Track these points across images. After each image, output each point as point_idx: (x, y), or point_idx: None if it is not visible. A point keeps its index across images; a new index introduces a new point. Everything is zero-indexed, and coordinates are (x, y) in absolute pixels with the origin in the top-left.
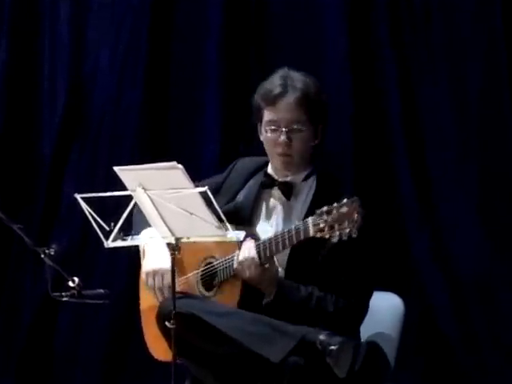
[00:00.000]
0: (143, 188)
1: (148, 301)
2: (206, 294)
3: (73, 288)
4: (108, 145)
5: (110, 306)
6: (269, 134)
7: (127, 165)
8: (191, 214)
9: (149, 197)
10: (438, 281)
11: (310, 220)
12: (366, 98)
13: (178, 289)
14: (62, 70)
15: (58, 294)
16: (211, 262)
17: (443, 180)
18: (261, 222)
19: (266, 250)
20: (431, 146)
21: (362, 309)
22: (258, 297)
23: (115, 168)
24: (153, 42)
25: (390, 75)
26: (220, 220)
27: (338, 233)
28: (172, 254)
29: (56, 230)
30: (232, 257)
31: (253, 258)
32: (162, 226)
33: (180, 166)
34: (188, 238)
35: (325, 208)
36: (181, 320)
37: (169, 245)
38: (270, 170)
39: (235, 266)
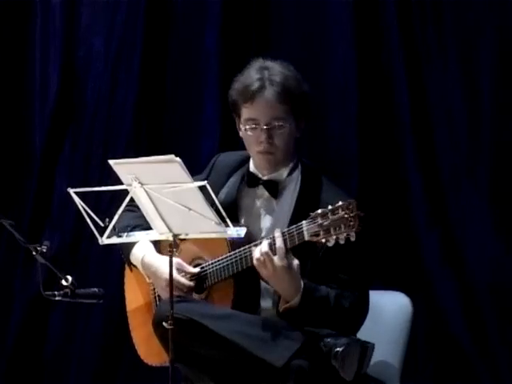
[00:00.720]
0: (139, 182)
1: (135, 302)
2: (197, 296)
3: (66, 287)
4: (102, 138)
5: (104, 305)
6: (249, 133)
7: (122, 158)
8: (190, 209)
9: (145, 191)
10: (449, 281)
11: (304, 224)
12: (372, 87)
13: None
14: (54, 58)
15: (50, 293)
16: (200, 264)
17: (454, 177)
18: (246, 221)
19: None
20: (441, 141)
21: (367, 302)
22: (251, 299)
23: (110, 161)
24: (149, 32)
25: (398, 63)
26: (220, 216)
27: (334, 237)
28: (170, 252)
29: (48, 227)
30: (223, 258)
31: (280, 248)
32: (159, 222)
33: (178, 159)
34: (186, 234)
35: (319, 211)
36: (179, 325)
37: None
38: (252, 167)
39: (255, 262)
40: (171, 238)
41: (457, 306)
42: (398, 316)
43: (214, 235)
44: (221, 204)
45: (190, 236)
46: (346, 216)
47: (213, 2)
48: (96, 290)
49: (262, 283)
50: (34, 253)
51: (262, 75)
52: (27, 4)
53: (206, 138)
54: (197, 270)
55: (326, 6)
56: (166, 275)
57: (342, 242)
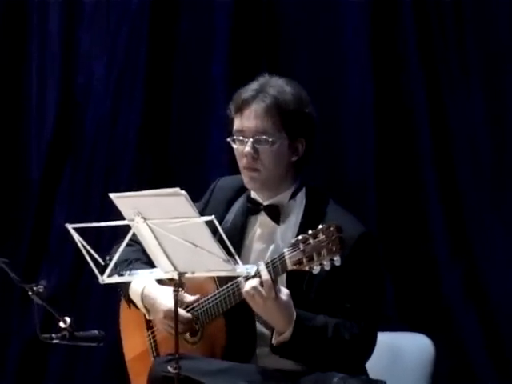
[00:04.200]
0: (142, 217)
1: (135, 350)
2: (191, 340)
3: (64, 329)
4: (103, 169)
5: (105, 347)
6: (236, 146)
7: (125, 192)
8: (196, 246)
9: (149, 227)
10: (472, 321)
11: (286, 252)
12: (390, 112)
13: (159, 336)
14: (52, 84)
15: (47, 335)
16: (190, 305)
17: (477, 209)
18: (247, 250)
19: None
20: (464, 171)
21: (373, 335)
22: (245, 337)
23: (111, 195)
24: (153, 54)
25: (418, 86)
26: (227, 251)
27: (317, 263)
28: (175, 291)
29: (45, 264)
30: (212, 297)
31: (267, 280)
32: (163, 260)
33: (183, 192)
34: (193, 272)
35: (300, 237)
36: None
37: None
38: (252, 193)
39: (244, 294)
40: (176, 277)
41: (481, 347)
42: (419, 359)
43: (222, 273)
44: (225, 234)
45: (197, 274)
46: (326, 240)
47: (220, 25)
48: (96, 332)
49: (258, 328)
50: (30, 293)
51: (260, 87)
52: (23, 28)
53: (214, 167)
54: (196, 297)
55: (341, 27)
56: (164, 307)
57: (327, 268)
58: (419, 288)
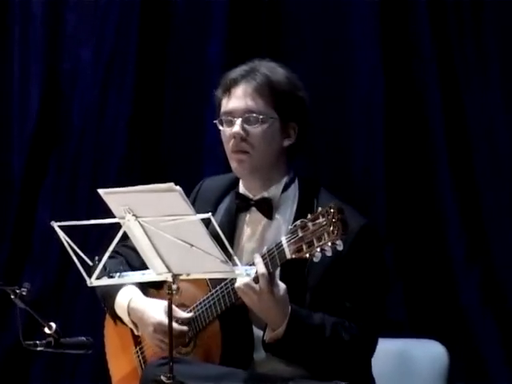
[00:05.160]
0: (134, 215)
1: (123, 370)
2: (183, 350)
3: (49, 335)
4: (90, 164)
5: (92, 356)
6: (224, 128)
7: (114, 187)
8: (192, 245)
9: (140, 225)
10: (490, 326)
11: (283, 240)
12: (401, 103)
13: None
14: (35, 72)
15: (31, 342)
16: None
17: (495, 208)
18: (239, 248)
19: None
20: (481, 166)
21: (374, 336)
22: (242, 342)
23: (100, 191)
24: (144, 38)
25: (431, 76)
26: (224, 251)
27: (318, 249)
28: (169, 294)
29: (28, 266)
30: (204, 300)
31: (263, 274)
32: (156, 261)
33: (178, 187)
34: (188, 274)
35: (298, 222)
36: None
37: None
38: (241, 188)
39: (236, 290)
40: (170, 279)
41: (499, 354)
42: (432, 367)
43: (219, 275)
44: (213, 236)
45: (192, 276)
46: (326, 222)
47: (217, 7)
48: (84, 338)
49: (255, 332)
50: (12, 296)
51: (250, 68)
52: (3, 11)
53: (209, 162)
54: (189, 314)
55: (349, 13)
56: (154, 319)
57: (328, 254)
58: (432, 292)
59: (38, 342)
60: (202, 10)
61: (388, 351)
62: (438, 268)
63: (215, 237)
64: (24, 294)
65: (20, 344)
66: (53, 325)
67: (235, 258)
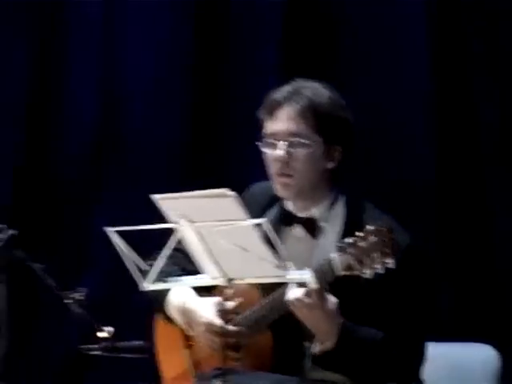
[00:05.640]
0: (188, 220)
1: (174, 370)
2: (234, 356)
3: (106, 339)
4: (147, 170)
5: (149, 360)
6: (267, 151)
7: (168, 193)
8: (246, 250)
9: (195, 230)
10: None
11: (334, 257)
12: (452, 113)
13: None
14: (91, 79)
15: (87, 346)
16: (232, 318)
17: None
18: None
19: None
20: None
21: (421, 351)
22: (293, 353)
23: (155, 196)
24: (199, 45)
25: (482, 81)
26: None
27: (370, 267)
28: (225, 300)
29: (85, 270)
30: (260, 305)
31: (315, 289)
32: (210, 266)
33: (232, 193)
34: (242, 279)
35: (349, 240)
36: None
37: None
38: (286, 203)
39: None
40: (224, 284)
41: None
42: (483, 372)
43: (273, 280)
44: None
45: (246, 281)
46: (378, 241)
47: (273, 11)
48: (141, 342)
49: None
50: (69, 301)
51: (293, 89)
52: (60, 16)
53: (260, 170)
54: (236, 302)
55: (401, 17)
56: (205, 319)
57: (380, 271)
58: (483, 295)
59: (94, 346)
60: (257, 15)
61: (439, 356)
62: (488, 270)
63: (275, 241)
64: (82, 298)
65: (76, 349)
66: (110, 329)
67: (288, 262)
